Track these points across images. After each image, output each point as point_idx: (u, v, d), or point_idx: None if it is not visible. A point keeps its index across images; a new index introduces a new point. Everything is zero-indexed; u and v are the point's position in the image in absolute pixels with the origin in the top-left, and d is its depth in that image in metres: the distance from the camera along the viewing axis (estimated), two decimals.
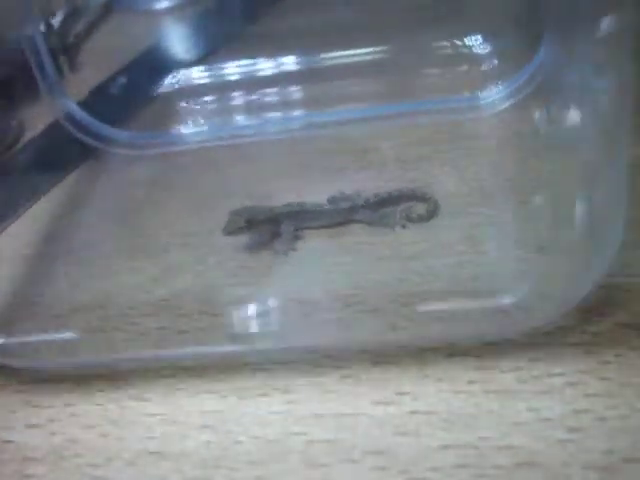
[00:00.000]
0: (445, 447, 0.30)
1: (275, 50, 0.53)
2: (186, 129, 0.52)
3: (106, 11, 0.59)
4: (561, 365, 0.33)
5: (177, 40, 0.58)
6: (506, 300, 0.34)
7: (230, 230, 0.40)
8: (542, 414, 0.31)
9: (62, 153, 0.51)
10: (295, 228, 0.42)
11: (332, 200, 0.42)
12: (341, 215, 0.42)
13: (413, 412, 0.32)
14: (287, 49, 0.53)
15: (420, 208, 0.41)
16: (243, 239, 0.41)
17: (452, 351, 0.34)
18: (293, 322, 0.37)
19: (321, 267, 0.40)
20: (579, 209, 0.33)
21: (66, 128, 0.50)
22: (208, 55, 0.56)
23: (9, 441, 0.33)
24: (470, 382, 0.32)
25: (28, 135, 0.50)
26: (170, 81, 0.55)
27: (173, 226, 0.43)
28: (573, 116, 0.36)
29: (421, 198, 0.42)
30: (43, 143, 0.50)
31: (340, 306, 0.37)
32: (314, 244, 0.41)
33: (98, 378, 0.35)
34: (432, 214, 0.41)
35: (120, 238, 0.43)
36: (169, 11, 0.59)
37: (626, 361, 0.32)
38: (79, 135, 0.50)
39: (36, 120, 0.51)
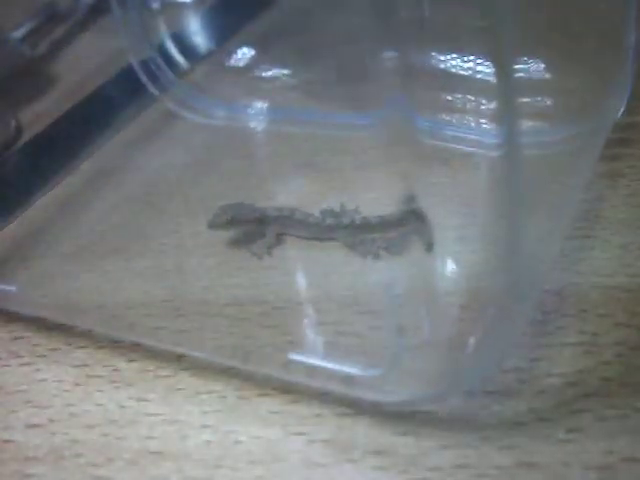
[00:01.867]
0: (445, 447, 0.30)
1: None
2: (251, 106, 0.51)
3: None
4: (561, 365, 0.33)
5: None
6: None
7: (214, 224, 0.40)
8: (542, 414, 0.31)
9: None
10: (278, 233, 0.41)
11: (323, 213, 0.41)
12: (322, 231, 0.40)
13: (413, 412, 0.32)
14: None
15: (398, 239, 0.39)
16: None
17: None
18: None
19: (282, 276, 0.39)
20: None
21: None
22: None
23: (9, 441, 0.33)
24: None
25: (27, 136, 0.50)
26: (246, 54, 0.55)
27: (172, 224, 0.43)
28: None
29: (416, 229, 0.39)
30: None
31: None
32: (290, 252, 0.41)
33: (98, 378, 0.35)
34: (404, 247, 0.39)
35: (118, 237, 0.43)
36: None
37: (626, 361, 0.32)
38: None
39: (35, 120, 0.51)
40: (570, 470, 0.29)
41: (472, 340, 0.31)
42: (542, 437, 0.30)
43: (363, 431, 0.32)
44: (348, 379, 0.32)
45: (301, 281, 0.40)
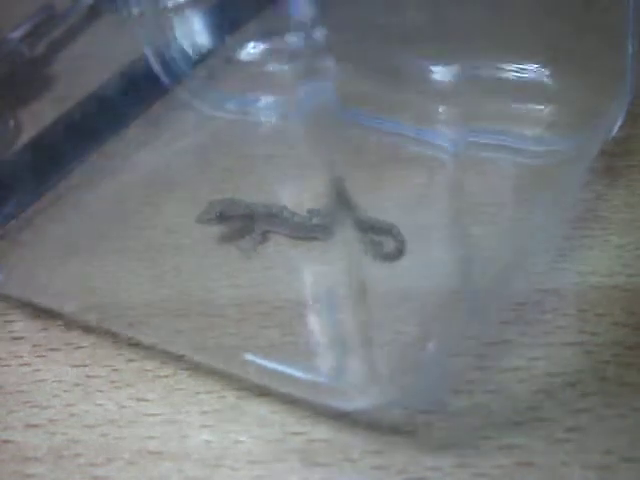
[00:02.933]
0: (444, 446, 0.31)
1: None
2: (258, 101, 0.50)
3: None
4: (560, 365, 0.33)
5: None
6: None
7: (201, 220, 0.40)
8: (541, 413, 0.31)
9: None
10: (265, 230, 0.41)
11: (309, 212, 0.41)
12: (305, 229, 0.41)
13: (412, 411, 0.32)
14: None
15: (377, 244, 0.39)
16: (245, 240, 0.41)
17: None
18: None
19: (282, 275, 0.39)
20: None
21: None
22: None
23: (9, 441, 0.33)
24: (469, 381, 0.32)
25: (25, 136, 0.50)
26: (262, 47, 0.54)
27: (171, 224, 0.43)
28: None
29: (388, 233, 0.39)
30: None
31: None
32: (289, 252, 0.41)
33: (97, 378, 0.36)
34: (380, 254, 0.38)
35: (118, 237, 0.43)
36: None
37: (624, 361, 0.33)
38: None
39: (34, 121, 0.51)
40: (569, 470, 0.29)
41: (431, 343, 0.31)
42: (541, 437, 0.30)
43: (362, 430, 0.32)
44: (312, 385, 0.32)
45: (302, 280, 0.40)
